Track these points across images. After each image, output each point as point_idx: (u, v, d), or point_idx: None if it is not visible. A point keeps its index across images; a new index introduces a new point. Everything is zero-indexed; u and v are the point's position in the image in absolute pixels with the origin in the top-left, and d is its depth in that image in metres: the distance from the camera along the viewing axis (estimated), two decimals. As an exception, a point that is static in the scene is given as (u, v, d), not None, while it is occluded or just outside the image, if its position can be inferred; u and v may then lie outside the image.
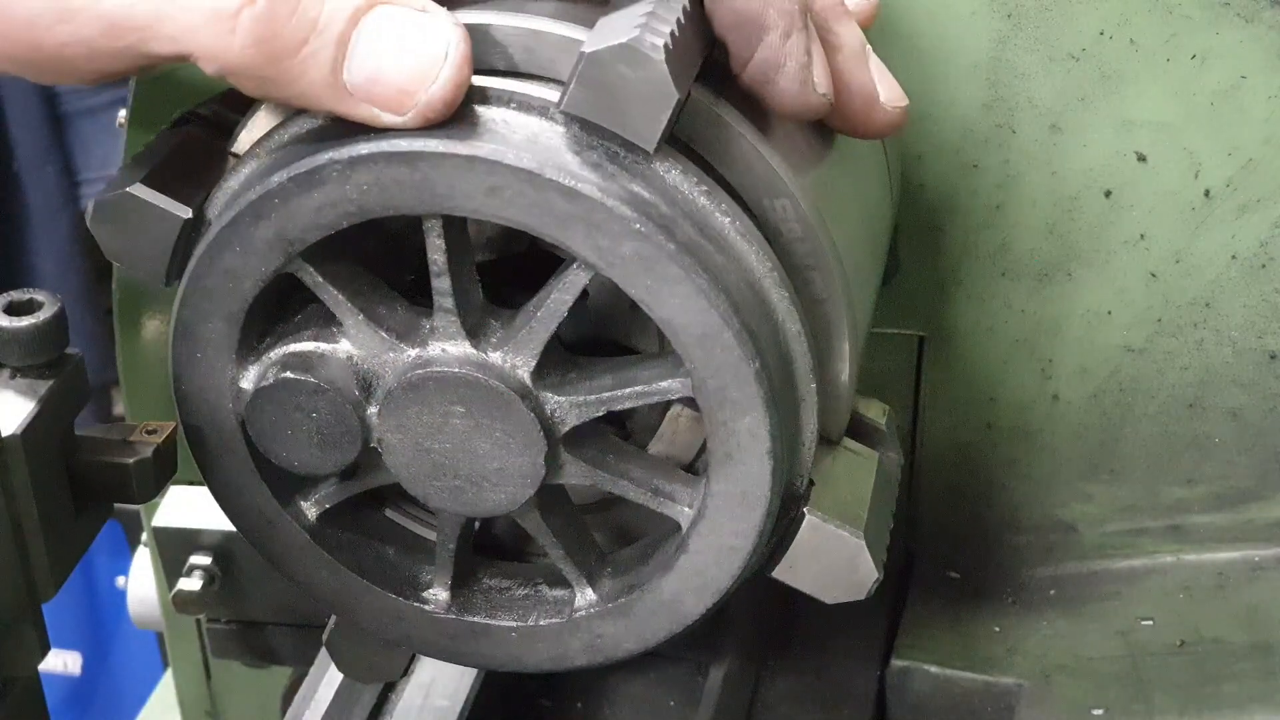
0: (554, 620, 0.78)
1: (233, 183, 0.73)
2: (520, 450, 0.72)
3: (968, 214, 0.97)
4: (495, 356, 0.72)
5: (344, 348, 0.73)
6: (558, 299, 0.70)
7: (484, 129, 0.68)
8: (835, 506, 0.76)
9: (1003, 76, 0.93)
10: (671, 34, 0.66)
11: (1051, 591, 1.03)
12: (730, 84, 0.72)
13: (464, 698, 0.94)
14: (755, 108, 0.73)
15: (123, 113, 0.90)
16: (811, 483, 0.76)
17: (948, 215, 0.97)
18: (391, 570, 0.80)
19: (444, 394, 0.72)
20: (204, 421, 0.75)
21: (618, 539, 0.84)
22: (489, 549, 0.83)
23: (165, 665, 1.30)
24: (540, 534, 0.76)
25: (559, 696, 1.00)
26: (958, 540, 1.06)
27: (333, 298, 0.72)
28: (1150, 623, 0.99)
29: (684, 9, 0.68)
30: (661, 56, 0.65)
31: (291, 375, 0.72)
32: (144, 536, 1.14)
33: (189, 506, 1.06)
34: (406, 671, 0.85)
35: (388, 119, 0.68)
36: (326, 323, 0.74)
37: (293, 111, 0.73)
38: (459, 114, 0.68)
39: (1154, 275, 0.96)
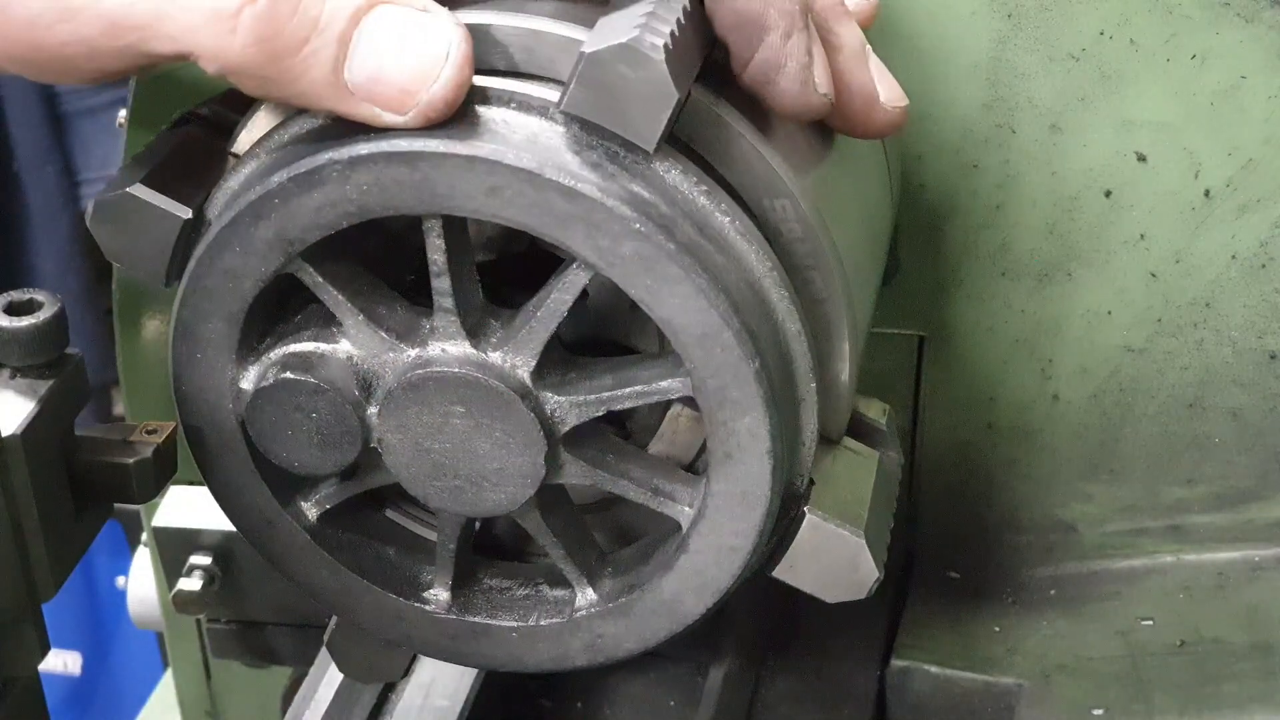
0: (554, 620, 0.78)
1: (233, 183, 0.73)
2: (520, 450, 0.72)
3: (968, 214, 0.97)
4: (495, 356, 0.72)
5: (344, 348, 0.73)
6: (557, 299, 0.70)
7: (484, 129, 0.68)
8: (836, 506, 0.76)
9: (1003, 76, 0.93)
10: (671, 34, 0.66)
11: (1051, 591, 1.03)
12: (730, 84, 0.72)
13: (464, 698, 0.94)
14: (755, 108, 0.73)
15: (123, 113, 0.91)
16: (812, 482, 0.76)
17: (948, 215, 0.97)
18: (392, 570, 0.80)
19: (444, 394, 0.72)
20: (204, 421, 0.75)
21: (618, 539, 0.84)
22: (489, 549, 0.83)
23: (165, 665, 1.30)
24: (540, 534, 0.76)
25: (559, 696, 1.00)
26: (958, 540, 1.06)
27: (333, 298, 0.72)
28: (1150, 623, 0.99)
29: (684, 9, 0.68)
30: (661, 56, 0.65)
31: (291, 375, 0.72)
32: (144, 536, 1.14)
33: (189, 506, 1.06)
34: (406, 672, 0.85)
35: (389, 118, 0.68)
36: (326, 323, 0.74)
37: (293, 111, 0.73)
38: (459, 114, 0.68)
39: (1154, 275, 0.96)
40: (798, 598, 0.77)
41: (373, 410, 0.73)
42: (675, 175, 0.69)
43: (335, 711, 0.93)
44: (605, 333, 0.81)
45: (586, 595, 0.77)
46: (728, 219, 0.70)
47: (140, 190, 0.72)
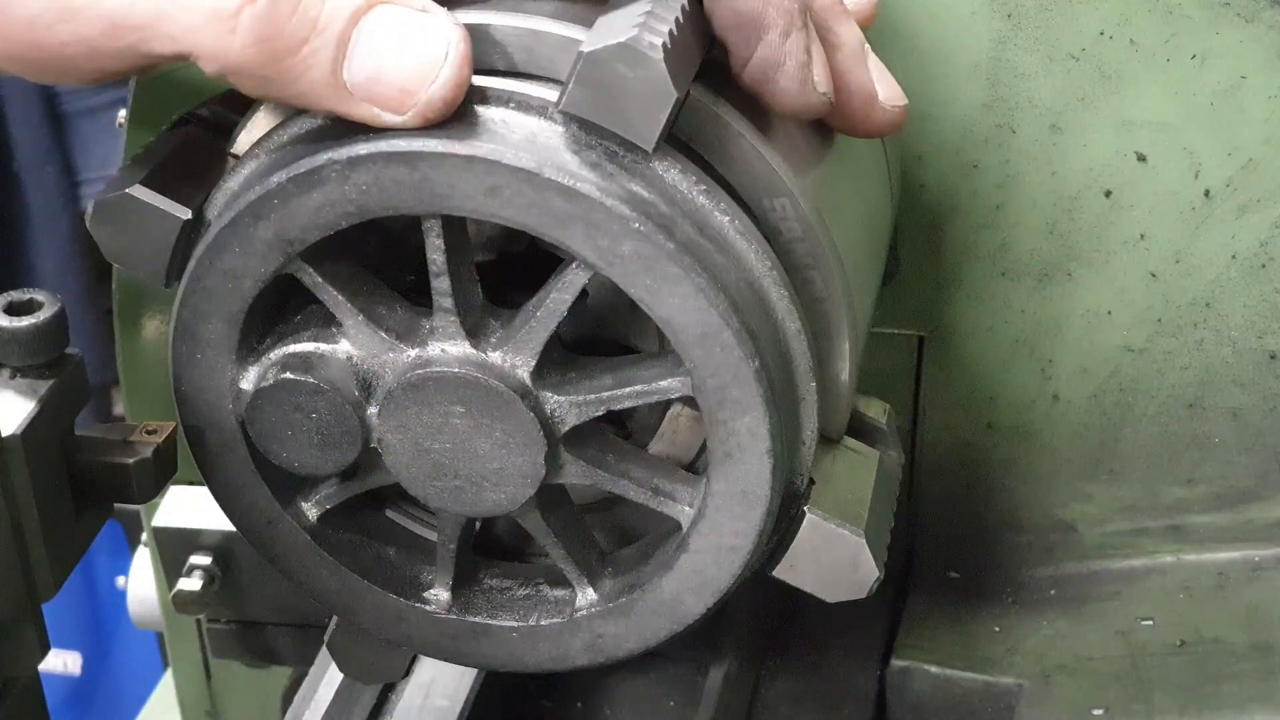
0: (555, 620, 0.78)
1: (232, 183, 0.73)
2: (520, 450, 0.72)
3: (968, 214, 0.97)
4: (495, 356, 0.72)
5: (344, 348, 0.73)
6: (557, 299, 0.70)
7: (483, 129, 0.68)
8: (836, 505, 0.76)
9: (1003, 76, 0.93)
10: (670, 33, 0.66)
11: (1051, 591, 1.03)
12: (730, 84, 0.72)
13: (464, 698, 0.94)
14: (755, 107, 0.73)
15: (123, 113, 0.90)
16: (812, 481, 0.76)
17: (948, 215, 0.97)
18: (392, 570, 0.80)
19: (444, 394, 0.72)
20: (204, 421, 0.75)
21: (618, 539, 0.84)
22: (489, 549, 0.83)
23: (165, 665, 1.30)
24: (541, 534, 0.76)
25: (559, 696, 1.00)
26: (958, 540, 1.06)
27: (332, 298, 0.72)
28: (1150, 623, 0.99)
29: (683, 8, 0.68)
30: (660, 56, 0.65)
31: (291, 376, 0.72)
32: (144, 536, 1.14)
33: (189, 506, 1.06)
34: (407, 672, 0.85)
35: (388, 118, 0.68)
36: (326, 323, 0.74)
37: (292, 112, 0.73)
38: (458, 114, 0.68)
39: (1154, 275, 0.96)
40: (798, 597, 0.77)
41: (373, 410, 0.73)
42: (674, 174, 0.69)
43: (335, 711, 0.93)
44: (605, 332, 0.81)
45: (587, 595, 0.77)
46: (727, 218, 0.70)
47: (140, 191, 0.72)
